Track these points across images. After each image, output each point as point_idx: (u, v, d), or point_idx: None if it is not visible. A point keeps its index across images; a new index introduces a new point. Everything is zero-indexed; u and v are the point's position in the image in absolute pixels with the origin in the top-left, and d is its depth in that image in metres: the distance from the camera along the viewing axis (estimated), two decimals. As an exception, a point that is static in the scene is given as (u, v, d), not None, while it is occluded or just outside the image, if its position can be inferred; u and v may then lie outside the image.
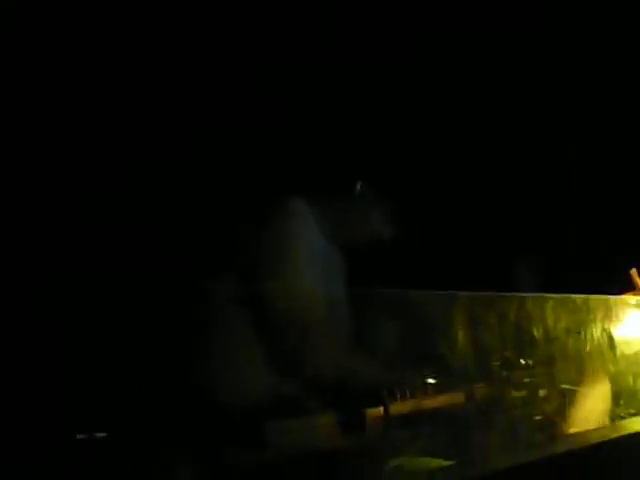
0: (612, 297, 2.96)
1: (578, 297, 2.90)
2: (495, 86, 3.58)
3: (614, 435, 2.56)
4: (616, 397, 2.92)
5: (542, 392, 2.96)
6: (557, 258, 3.54)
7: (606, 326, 2.93)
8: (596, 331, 2.92)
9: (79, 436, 2.51)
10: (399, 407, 2.83)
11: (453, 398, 2.93)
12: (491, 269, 3.44)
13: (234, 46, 3.17)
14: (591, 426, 2.82)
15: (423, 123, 3.35)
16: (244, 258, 2.88)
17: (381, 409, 2.80)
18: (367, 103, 3.23)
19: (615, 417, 2.88)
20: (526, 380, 2.97)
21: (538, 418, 2.86)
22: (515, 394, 2.95)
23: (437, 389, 2.91)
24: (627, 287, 3.04)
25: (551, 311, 2.88)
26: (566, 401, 2.88)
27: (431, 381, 2.91)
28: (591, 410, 2.88)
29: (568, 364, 2.89)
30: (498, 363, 2.97)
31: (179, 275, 2.75)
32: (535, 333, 2.85)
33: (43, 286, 2.61)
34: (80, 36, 3.01)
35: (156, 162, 2.96)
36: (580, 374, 2.91)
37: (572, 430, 2.81)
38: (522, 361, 2.98)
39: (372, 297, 2.79)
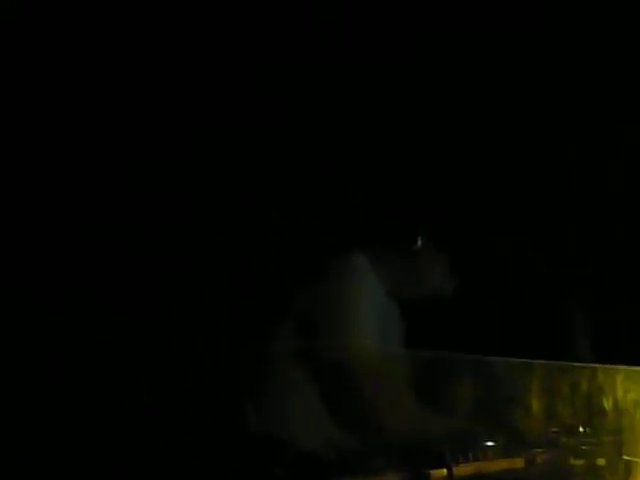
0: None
1: (647, 369, 2.89)
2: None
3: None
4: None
5: (601, 461, 2.96)
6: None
7: (673, 399, 2.92)
8: (661, 403, 2.91)
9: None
10: (462, 470, 2.85)
11: (514, 462, 2.95)
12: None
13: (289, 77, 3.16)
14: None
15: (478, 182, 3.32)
16: (307, 315, 2.91)
17: (444, 471, 2.82)
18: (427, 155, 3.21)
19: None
20: (584, 448, 2.97)
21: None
22: (574, 462, 2.96)
23: (498, 453, 2.92)
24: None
25: (621, 383, 2.87)
26: (630, 472, 2.87)
27: (491, 444, 2.93)
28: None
29: (635, 436, 2.88)
30: (557, 429, 2.98)
31: (241, 335, 2.79)
32: (605, 404, 2.85)
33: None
34: (83, 37, 3.02)
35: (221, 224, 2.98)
36: (645, 446, 2.90)
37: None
38: (581, 429, 2.99)
39: (451, 361, 2.80)
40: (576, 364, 2.91)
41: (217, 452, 2.71)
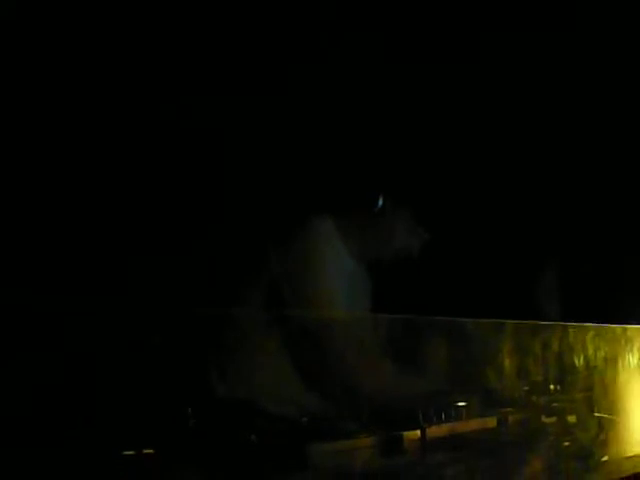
0: (650, 327, 2.98)
1: (617, 327, 2.91)
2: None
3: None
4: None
5: (572, 418, 2.98)
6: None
7: (643, 355, 2.95)
8: (633, 360, 2.94)
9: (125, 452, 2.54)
10: (435, 430, 2.85)
11: (487, 422, 2.96)
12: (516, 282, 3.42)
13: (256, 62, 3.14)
14: (625, 453, 2.85)
15: (447, 133, 3.30)
16: (276, 281, 2.89)
17: (418, 432, 2.82)
18: (388, 116, 3.19)
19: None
20: (556, 406, 3.00)
21: (569, 444, 2.88)
22: (546, 420, 2.98)
23: (471, 413, 2.94)
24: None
25: (591, 340, 2.89)
26: (602, 429, 2.90)
27: (463, 404, 2.93)
28: (626, 437, 2.91)
29: (605, 392, 2.91)
30: (527, 388, 3.00)
31: (207, 300, 2.76)
32: (575, 362, 2.87)
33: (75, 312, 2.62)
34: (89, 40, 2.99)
35: (182, 187, 2.95)
36: (617, 403, 2.92)
37: (606, 458, 2.82)
38: (552, 387, 3.01)
39: (423, 323, 2.80)
40: (546, 323, 2.92)
41: (190, 420, 2.68)
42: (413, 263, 3.03)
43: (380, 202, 3.11)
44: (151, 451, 2.48)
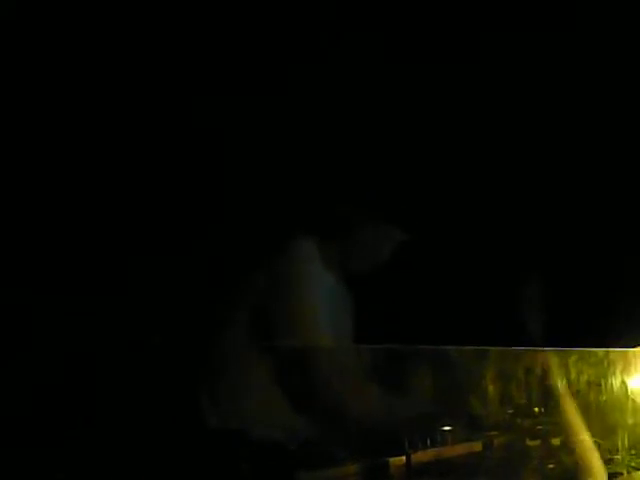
0: (631, 350, 3.01)
1: (599, 350, 2.95)
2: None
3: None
4: (630, 447, 2.98)
5: (556, 441, 3.03)
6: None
7: (625, 378, 2.99)
8: (615, 383, 2.98)
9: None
10: (421, 456, 2.90)
11: (472, 447, 3.01)
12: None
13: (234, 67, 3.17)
14: (605, 476, 2.89)
15: (423, 150, 3.34)
16: (261, 309, 2.93)
17: (403, 458, 2.87)
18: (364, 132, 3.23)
19: (628, 468, 2.94)
20: (540, 429, 3.04)
21: (552, 467, 2.92)
22: (530, 443, 3.03)
23: (456, 438, 2.98)
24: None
25: (574, 364, 2.94)
26: (585, 452, 2.94)
27: (449, 429, 2.98)
28: (606, 460, 2.95)
29: (589, 416, 2.95)
30: (512, 412, 3.04)
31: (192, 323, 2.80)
32: (559, 386, 2.92)
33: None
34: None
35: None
36: (599, 425, 2.96)
37: (589, 480, 2.87)
38: (536, 409, 3.05)
39: (407, 352, 2.84)
40: (529, 348, 2.97)
41: (179, 451, 2.73)
42: (395, 287, 3.07)
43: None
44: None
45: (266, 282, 3.00)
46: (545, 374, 2.95)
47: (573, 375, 2.95)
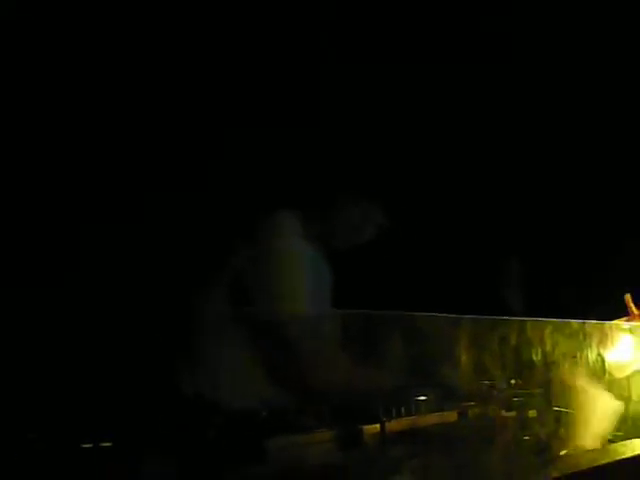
0: (607, 322, 3.00)
1: (575, 322, 2.94)
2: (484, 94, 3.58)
3: (605, 460, 2.62)
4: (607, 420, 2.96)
5: (532, 413, 3.01)
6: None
7: (600, 351, 2.98)
8: (591, 355, 2.97)
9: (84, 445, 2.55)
10: (395, 425, 2.88)
11: (446, 416, 2.99)
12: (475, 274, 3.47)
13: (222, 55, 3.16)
14: (583, 448, 2.87)
15: (404, 129, 3.34)
16: (238, 276, 2.91)
17: (377, 426, 2.85)
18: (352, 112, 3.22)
19: (604, 440, 2.93)
20: (515, 400, 3.03)
21: (528, 439, 2.91)
22: (506, 414, 3.01)
23: (431, 407, 2.97)
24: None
25: (549, 336, 2.92)
26: (560, 423, 2.93)
27: (423, 398, 2.97)
28: (583, 432, 2.94)
29: (563, 387, 2.94)
30: (488, 382, 3.03)
31: (172, 292, 2.78)
32: (534, 357, 2.90)
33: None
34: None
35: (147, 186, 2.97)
36: (575, 397, 2.95)
37: (564, 452, 2.85)
38: (512, 382, 3.04)
39: (378, 318, 2.82)
40: (504, 318, 2.95)
41: (148, 415, 2.70)
42: (373, 257, 3.06)
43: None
44: (108, 444, 2.50)
45: (246, 253, 2.97)
46: (520, 344, 2.93)
47: (548, 347, 2.94)
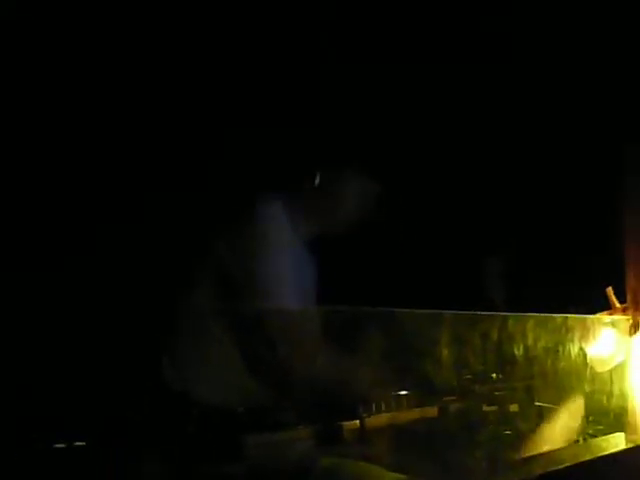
0: (589, 316, 2.98)
1: (557, 316, 2.92)
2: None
3: (587, 455, 2.60)
4: (587, 414, 2.95)
5: (514, 407, 2.99)
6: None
7: (583, 345, 2.96)
8: (573, 350, 2.94)
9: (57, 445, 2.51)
10: (375, 420, 2.84)
11: (427, 412, 2.96)
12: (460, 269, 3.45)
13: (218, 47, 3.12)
14: (563, 443, 2.85)
15: (389, 115, 3.30)
16: (218, 264, 2.85)
17: (357, 422, 2.81)
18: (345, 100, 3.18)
19: (585, 435, 2.91)
20: (497, 394, 3.00)
21: (509, 433, 2.88)
22: (487, 409, 2.99)
23: (411, 403, 2.93)
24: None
25: (531, 330, 2.90)
26: (542, 418, 2.91)
27: (404, 393, 2.93)
28: (564, 427, 2.92)
29: (546, 382, 2.91)
30: (469, 377, 3.00)
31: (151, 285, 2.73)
32: (515, 351, 2.88)
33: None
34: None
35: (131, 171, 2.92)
36: (556, 392, 2.93)
37: (545, 447, 2.83)
38: (493, 375, 3.02)
39: (358, 314, 2.79)
40: (485, 313, 2.92)
41: (125, 411, 2.66)
42: (358, 248, 3.02)
43: (317, 180, 3.04)
44: (82, 443, 2.46)
45: (230, 243, 2.91)
46: (502, 339, 2.91)
47: (530, 341, 2.91)
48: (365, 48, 3.31)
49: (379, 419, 2.85)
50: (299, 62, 3.26)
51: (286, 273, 2.90)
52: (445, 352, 2.91)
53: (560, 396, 2.95)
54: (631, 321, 2.81)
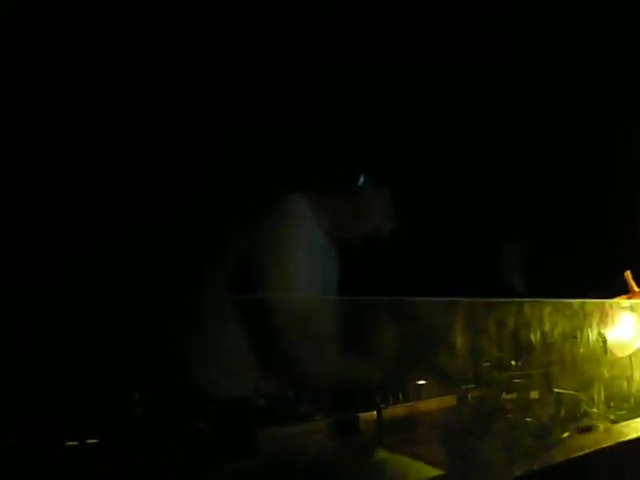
0: (607, 301, 2.94)
1: (575, 302, 2.88)
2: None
3: (609, 442, 2.56)
4: (608, 400, 2.91)
5: (533, 395, 2.96)
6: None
7: (601, 330, 2.92)
8: (592, 335, 2.91)
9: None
10: (392, 411, 2.82)
11: (445, 401, 2.94)
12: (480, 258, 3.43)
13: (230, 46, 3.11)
14: (583, 430, 2.82)
15: (419, 123, 3.30)
16: (243, 260, 2.85)
17: (374, 413, 2.79)
18: (366, 100, 3.17)
19: (606, 420, 2.88)
20: (516, 381, 2.98)
21: (530, 420, 2.85)
22: (506, 396, 2.96)
23: (429, 392, 2.91)
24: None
25: (548, 316, 2.87)
26: (561, 405, 2.87)
27: (422, 382, 2.91)
28: (584, 414, 2.89)
29: (564, 368, 2.88)
30: (489, 364, 2.97)
31: (173, 282, 2.72)
32: (532, 338, 2.85)
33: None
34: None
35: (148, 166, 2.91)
36: (575, 378, 2.90)
37: (566, 434, 2.80)
38: (512, 362, 2.99)
39: (374, 304, 2.77)
40: (502, 300, 2.89)
41: (139, 406, 2.65)
42: (381, 244, 3.01)
43: (360, 182, 3.06)
44: (95, 440, 2.44)
45: (253, 235, 2.91)
46: (519, 325, 2.88)
47: (548, 327, 2.88)
48: (365, 48, 3.30)
49: (397, 409, 2.82)
50: (330, 66, 3.26)
51: (307, 265, 2.90)
52: (462, 340, 2.88)
53: (579, 382, 2.91)
54: (650, 305, 2.78)
